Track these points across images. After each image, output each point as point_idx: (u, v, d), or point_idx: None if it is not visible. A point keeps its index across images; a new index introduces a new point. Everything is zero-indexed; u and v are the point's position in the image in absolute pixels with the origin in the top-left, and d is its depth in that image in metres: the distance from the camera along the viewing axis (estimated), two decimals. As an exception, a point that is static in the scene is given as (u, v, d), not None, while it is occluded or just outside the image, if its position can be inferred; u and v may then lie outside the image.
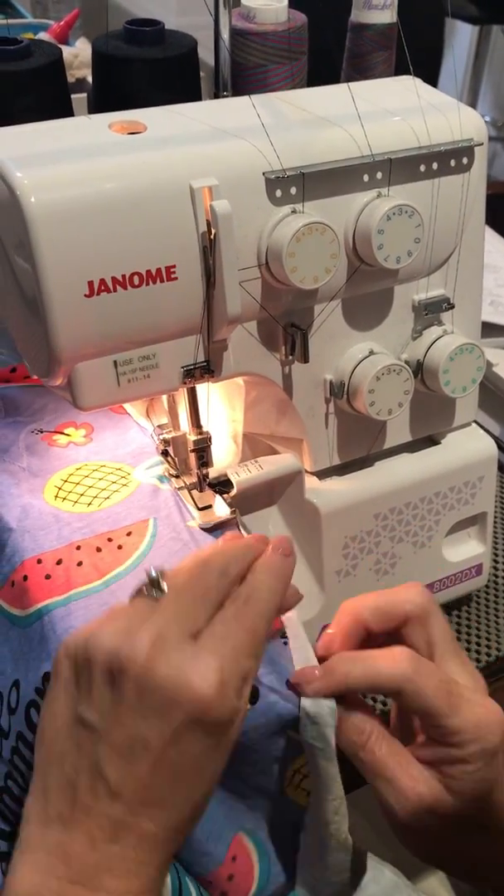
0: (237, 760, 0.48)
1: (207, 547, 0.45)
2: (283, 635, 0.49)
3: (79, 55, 1.18)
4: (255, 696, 0.47)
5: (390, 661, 0.44)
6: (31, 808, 0.38)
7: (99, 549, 0.52)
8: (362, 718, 0.45)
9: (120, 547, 0.52)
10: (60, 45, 1.13)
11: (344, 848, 0.49)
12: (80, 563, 0.51)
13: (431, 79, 0.58)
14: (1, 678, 0.51)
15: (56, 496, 0.56)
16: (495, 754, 0.44)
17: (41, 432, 0.62)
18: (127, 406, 0.64)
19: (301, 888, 0.51)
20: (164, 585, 0.41)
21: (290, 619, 0.49)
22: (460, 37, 2.69)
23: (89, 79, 1.16)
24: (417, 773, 0.44)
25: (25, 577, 0.51)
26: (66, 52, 1.05)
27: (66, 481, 0.57)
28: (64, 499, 0.56)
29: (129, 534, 0.53)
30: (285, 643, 0.49)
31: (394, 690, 0.44)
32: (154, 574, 0.41)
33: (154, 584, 0.41)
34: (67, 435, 0.62)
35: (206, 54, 0.67)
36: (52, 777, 0.38)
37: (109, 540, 0.53)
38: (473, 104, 2.66)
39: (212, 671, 0.37)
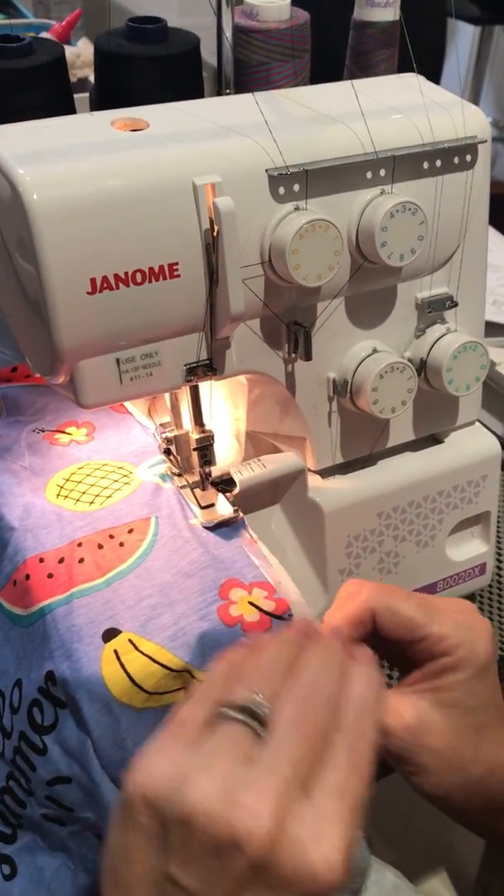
0: None
1: (286, 649, 0.39)
2: (290, 616, 0.49)
3: (81, 55, 1.18)
4: None
5: (354, 598, 0.44)
6: None
7: (101, 546, 0.52)
8: None
9: (122, 544, 0.52)
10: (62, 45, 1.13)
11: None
12: (81, 560, 0.51)
13: (434, 79, 0.58)
14: (3, 677, 0.51)
15: (58, 495, 0.56)
16: (486, 668, 0.43)
17: (43, 431, 0.61)
18: (129, 405, 0.64)
19: None
20: (262, 714, 0.35)
21: (298, 603, 0.49)
22: (462, 37, 2.69)
23: (91, 78, 1.16)
24: (396, 703, 0.43)
25: (28, 576, 0.51)
26: (68, 51, 1.04)
27: (67, 480, 0.57)
28: (66, 497, 0.56)
29: (130, 531, 0.53)
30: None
31: (369, 618, 0.44)
32: (261, 709, 0.35)
33: (251, 713, 0.35)
34: (69, 434, 0.62)
35: (207, 54, 0.67)
36: None
37: (111, 537, 0.53)
38: (475, 104, 2.65)
39: (336, 852, 0.32)
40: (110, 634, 0.47)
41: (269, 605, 0.50)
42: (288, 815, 0.32)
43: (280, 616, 0.49)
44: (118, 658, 0.46)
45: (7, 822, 0.50)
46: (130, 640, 0.47)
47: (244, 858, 0.31)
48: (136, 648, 0.47)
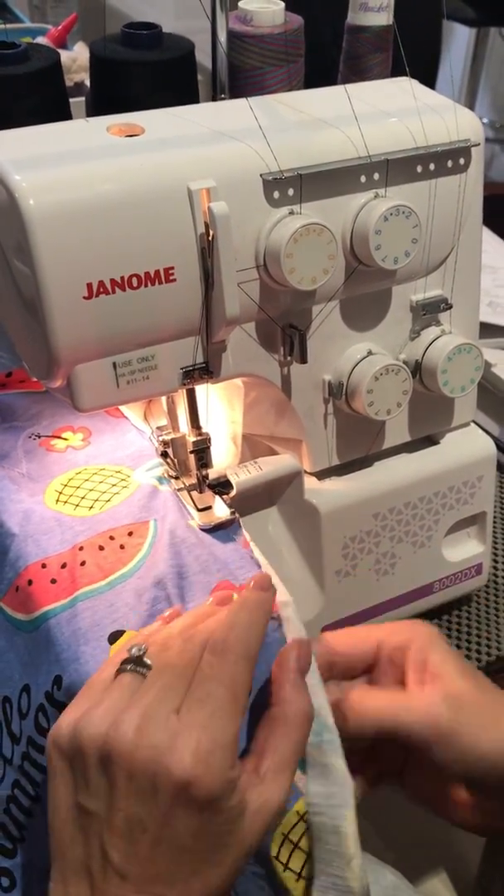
0: None
1: (192, 614, 0.46)
2: (277, 617, 0.49)
3: (77, 59, 1.18)
4: None
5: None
6: (53, 894, 0.39)
7: (101, 548, 0.52)
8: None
9: (122, 547, 0.52)
10: (58, 50, 1.13)
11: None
12: (83, 563, 0.51)
13: (429, 81, 0.59)
14: (9, 683, 0.51)
15: (57, 500, 0.56)
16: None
17: (39, 437, 0.62)
18: (125, 410, 0.64)
19: None
20: (148, 661, 0.42)
21: (290, 619, 0.49)
22: (458, 39, 2.70)
23: (87, 83, 1.16)
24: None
25: (30, 582, 0.51)
26: (64, 56, 1.05)
27: (66, 485, 0.57)
28: (65, 502, 0.56)
29: (130, 533, 0.53)
30: (279, 624, 0.49)
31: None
32: (137, 651, 0.42)
33: (137, 661, 0.42)
34: (65, 439, 0.62)
35: (202, 58, 0.67)
36: (68, 863, 0.39)
37: (112, 538, 0.53)
38: (471, 106, 2.66)
39: (188, 751, 0.38)
40: (116, 636, 0.47)
41: None
42: (151, 726, 0.38)
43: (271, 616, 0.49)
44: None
45: (9, 835, 0.50)
46: None
47: (119, 767, 0.38)
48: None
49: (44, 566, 0.51)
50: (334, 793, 0.46)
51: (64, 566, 0.51)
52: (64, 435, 0.62)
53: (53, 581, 0.50)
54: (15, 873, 0.50)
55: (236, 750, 0.40)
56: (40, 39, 1.17)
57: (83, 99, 0.72)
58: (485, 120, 2.71)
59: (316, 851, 0.46)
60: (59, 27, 1.19)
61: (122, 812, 0.38)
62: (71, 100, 0.67)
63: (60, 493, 0.57)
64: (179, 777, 0.38)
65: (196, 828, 0.38)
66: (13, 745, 0.50)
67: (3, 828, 0.50)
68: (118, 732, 0.38)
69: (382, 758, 0.53)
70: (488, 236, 1.18)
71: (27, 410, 0.64)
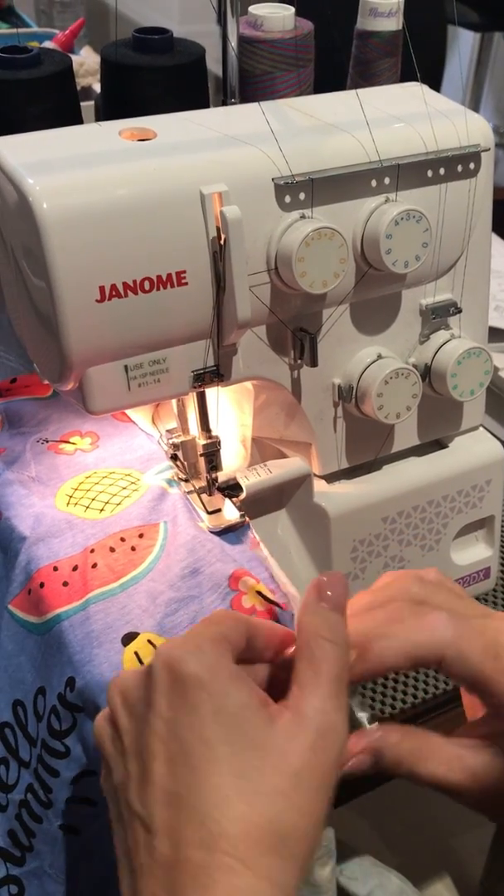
0: None
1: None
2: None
3: (84, 63, 1.18)
4: None
5: (428, 630, 0.42)
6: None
7: (112, 549, 0.52)
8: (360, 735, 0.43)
9: (133, 549, 0.53)
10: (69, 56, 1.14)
11: (308, 883, 0.47)
12: (94, 565, 0.51)
13: (434, 86, 0.59)
14: (21, 686, 0.51)
15: (68, 503, 0.56)
16: None
17: (47, 442, 0.62)
18: (132, 414, 0.65)
19: None
20: None
21: (295, 597, 0.49)
22: (462, 44, 2.70)
23: (95, 87, 1.17)
24: (453, 751, 0.43)
25: (42, 585, 0.51)
26: (72, 60, 1.05)
27: (76, 489, 0.57)
28: (76, 505, 0.56)
29: (140, 535, 0.54)
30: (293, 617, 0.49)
31: (436, 660, 0.41)
32: None
33: None
34: (74, 443, 0.62)
35: (209, 63, 0.67)
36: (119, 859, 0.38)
37: (122, 540, 0.53)
38: (475, 110, 2.66)
39: (174, 647, 0.37)
40: (129, 638, 0.48)
41: (274, 599, 0.50)
42: (172, 649, 0.37)
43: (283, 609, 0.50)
44: (140, 660, 0.47)
45: (18, 843, 0.50)
46: (150, 641, 0.47)
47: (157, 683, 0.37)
48: (157, 648, 0.47)
49: (55, 569, 0.51)
50: None
51: (75, 569, 0.51)
52: (72, 439, 0.62)
53: (65, 584, 0.51)
54: (24, 881, 0.50)
55: (229, 647, 0.38)
56: (47, 44, 1.17)
57: (92, 103, 0.72)
58: (489, 124, 2.70)
59: None
60: (67, 32, 1.20)
61: (129, 745, 0.37)
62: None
63: (71, 496, 0.57)
64: (165, 658, 0.37)
65: (199, 725, 0.35)
66: (31, 747, 0.50)
67: (13, 835, 0.50)
68: (157, 658, 0.38)
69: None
70: (495, 241, 1.18)
71: (34, 416, 0.64)
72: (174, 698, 0.37)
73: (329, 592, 0.41)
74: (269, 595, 0.50)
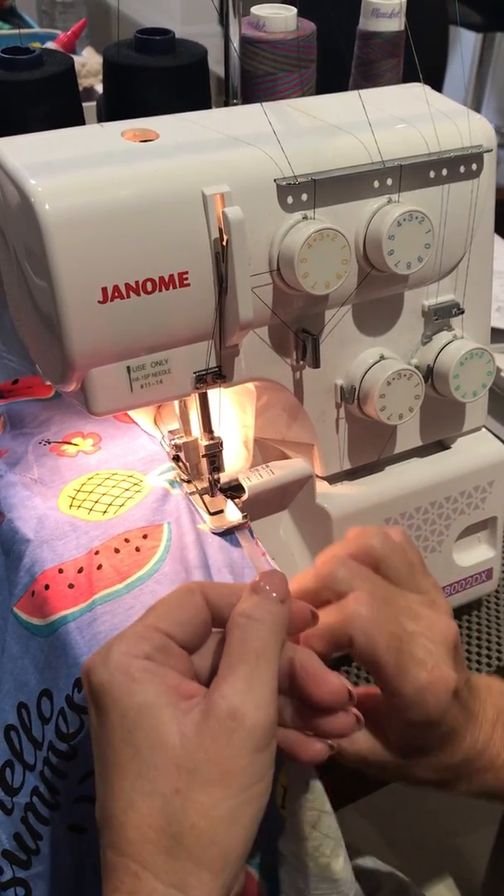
0: None
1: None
2: None
3: (86, 64, 1.19)
4: None
5: (342, 610, 0.43)
6: None
7: (117, 551, 0.52)
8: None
9: (138, 549, 0.52)
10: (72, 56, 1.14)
11: (325, 878, 0.45)
12: (99, 567, 0.51)
13: (436, 87, 0.59)
14: (25, 689, 0.51)
15: (70, 505, 0.56)
16: (437, 723, 0.44)
17: (49, 443, 0.62)
18: (134, 415, 0.64)
19: None
20: None
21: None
22: (464, 44, 2.70)
23: (97, 87, 1.17)
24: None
25: (47, 587, 0.51)
26: (74, 61, 1.05)
27: (79, 490, 0.57)
28: (79, 507, 0.56)
29: (145, 536, 0.53)
30: None
31: (346, 640, 0.42)
32: None
33: None
34: (76, 445, 0.62)
35: (211, 63, 0.67)
36: None
37: (127, 541, 0.53)
38: (477, 111, 2.66)
39: (103, 648, 0.38)
40: None
41: None
42: (88, 660, 0.38)
43: None
44: None
45: (24, 846, 0.50)
46: None
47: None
48: None
49: (60, 571, 0.51)
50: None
51: (81, 570, 0.51)
52: (74, 440, 0.62)
53: (71, 586, 0.51)
54: (31, 883, 0.49)
55: (151, 640, 0.38)
56: (49, 44, 1.17)
57: (94, 104, 0.72)
58: (491, 125, 2.70)
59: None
60: (69, 32, 1.20)
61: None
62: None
63: (74, 498, 0.57)
64: (83, 670, 0.37)
65: (109, 731, 0.35)
66: (36, 750, 0.50)
67: (19, 838, 0.50)
68: None
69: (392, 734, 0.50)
70: (498, 242, 1.18)
71: (36, 417, 0.64)
72: (92, 707, 0.37)
73: (267, 587, 0.40)
74: None
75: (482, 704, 0.48)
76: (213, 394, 0.56)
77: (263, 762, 0.36)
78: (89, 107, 0.70)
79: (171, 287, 0.47)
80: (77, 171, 0.45)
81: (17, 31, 1.13)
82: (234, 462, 0.62)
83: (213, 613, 0.40)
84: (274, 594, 0.39)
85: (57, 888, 0.49)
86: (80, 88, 1.07)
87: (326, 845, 0.45)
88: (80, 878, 0.49)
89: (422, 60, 0.55)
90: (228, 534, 0.55)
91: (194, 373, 0.51)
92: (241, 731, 0.35)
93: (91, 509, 0.56)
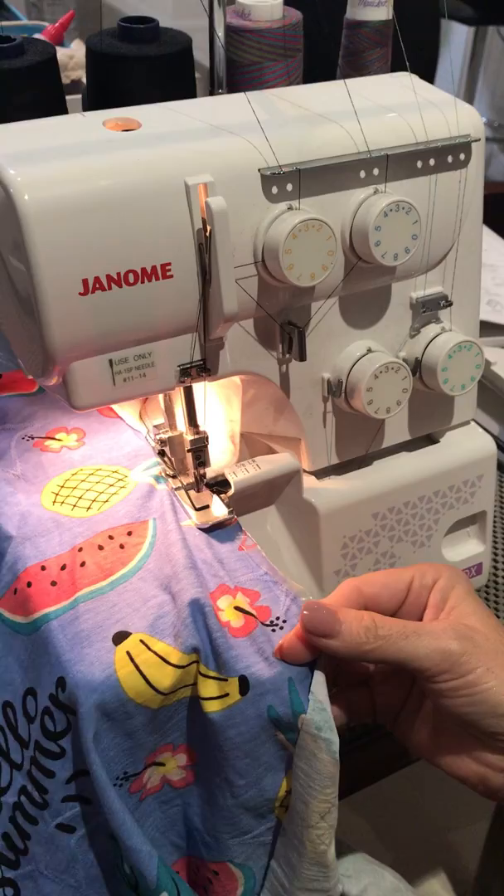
0: (226, 765, 0.47)
1: None
2: (272, 623, 0.49)
3: (73, 56, 1.17)
4: (245, 687, 0.46)
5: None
6: None
7: (101, 548, 0.52)
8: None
9: (122, 546, 0.52)
10: (55, 47, 1.13)
11: (318, 863, 0.48)
12: (83, 564, 0.51)
13: (428, 79, 0.58)
14: (10, 688, 0.50)
15: (54, 501, 0.56)
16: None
17: (32, 438, 0.61)
18: (119, 410, 0.64)
19: (267, 895, 0.50)
20: None
21: (302, 590, 0.49)
22: (456, 38, 2.69)
23: (84, 80, 1.16)
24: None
25: (29, 584, 0.50)
26: (61, 53, 1.04)
27: (62, 486, 0.57)
28: (62, 503, 0.55)
29: (129, 533, 0.53)
30: (273, 630, 0.48)
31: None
32: None
33: None
34: (59, 440, 0.61)
35: (200, 55, 0.67)
36: None
37: (111, 538, 0.52)
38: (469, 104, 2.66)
39: None
40: (121, 637, 0.47)
41: (251, 612, 0.49)
42: None
43: (263, 622, 0.49)
44: (132, 660, 0.46)
45: (12, 846, 0.50)
46: (142, 641, 0.47)
47: None
48: (150, 649, 0.46)
49: (43, 568, 0.51)
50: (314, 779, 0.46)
51: (63, 568, 0.51)
52: (58, 436, 0.61)
53: (53, 583, 0.50)
54: (19, 883, 0.49)
55: None
56: (37, 37, 1.16)
57: (80, 96, 0.71)
58: (483, 119, 2.70)
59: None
60: (56, 24, 1.19)
61: None
62: (68, 97, 0.66)
63: (57, 494, 0.56)
64: None
65: None
66: (23, 749, 0.49)
67: (7, 837, 0.50)
68: None
69: (380, 695, 0.52)
70: (487, 235, 1.18)
71: (19, 413, 0.63)
72: None
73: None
74: (247, 608, 0.50)
75: None
76: (199, 387, 0.55)
77: None
78: (76, 99, 0.70)
79: (153, 278, 0.46)
80: (58, 161, 0.45)
81: (3, 23, 1.12)
82: (221, 457, 0.61)
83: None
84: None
85: (46, 888, 0.48)
86: (69, 80, 1.06)
87: (328, 835, 0.47)
88: (70, 877, 0.48)
89: (413, 54, 0.55)
90: (214, 529, 0.54)
91: (178, 366, 0.50)
92: None
93: (75, 505, 0.55)
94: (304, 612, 0.46)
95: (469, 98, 2.56)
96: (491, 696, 0.45)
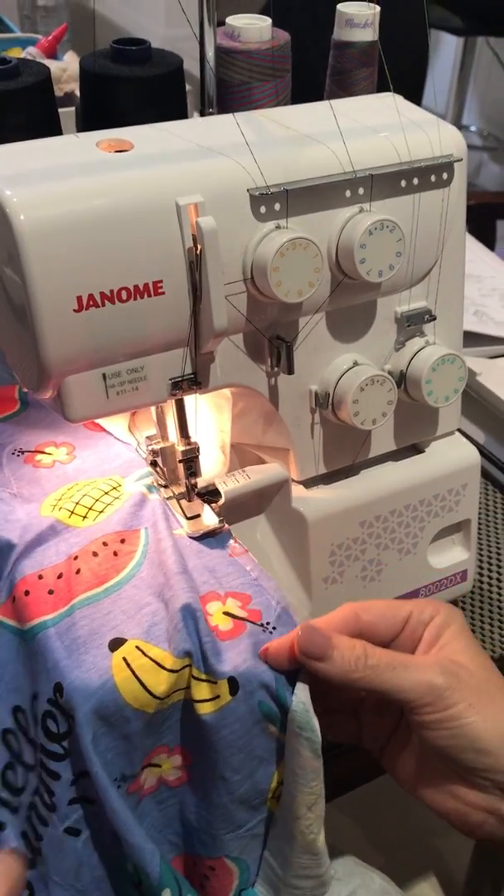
0: (221, 763, 0.48)
1: None
2: (263, 625, 0.50)
3: (67, 69, 1.19)
4: (234, 687, 0.48)
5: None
6: None
7: (95, 554, 0.53)
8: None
9: (115, 553, 0.53)
10: (49, 59, 1.14)
11: (309, 852, 0.49)
12: (78, 571, 0.52)
13: (417, 91, 0.60)
14: (19, 693, 0.51)
15: (54, 508, 0.57)
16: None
17: (22, 453, 0.62)
18: (106, 424, 0.65)
19: (262, 885, 0.52)
20: None
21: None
22: (446, 48, 2.72)
23: (77, 93, 1.17)
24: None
25: (27, 592, 0.51)
26: (55, 66, 1.06)
27: (59, 500, 0.58)
28: (61, 508, 0.57)
29: (122, 540, 0.54)
30: (264, 631, 0.50)
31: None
32: None
33: None
34: (49, 454, 0.62)
35: (192, 65, 0.68)
36: None
37: (105, 544, 0.53)
38: (459, 115, 2.69)
39: None
40: (116, 643, 0.48)
41: (242, 615, 0.51)
42: None
43: (254, 622, 0.50)
44: (128, 666, 0.47)
45: (30, 845, 0.50)
46: (138, 647, 0.48)
47: None
48: (145, 654, 0.47)
49: (40, 577, 0.52)
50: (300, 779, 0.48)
51: (60, 576, 0.52)
52: (47, 449, 0.62)
53: (51, 592, 0.51)
54: (34, 885, 0.50)
55: None
56: (30, 49, 1.17)
57: (73, 109, 0.73)
58: (472, 128, 2.73)
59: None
60: (50, 37, 1.20)
61: None
62: (61, 110, 0.67)
63: (54, 506, 0.57)
64: None
65: None
66: (35, 751, 0.50)
67: (25, 836, 0.50)
68: None
69: (369, 724, 0.53)
70: (475, 246, 1.20)
71: (4, 430, 0.64)
72: None
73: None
74: (237, 612, 0.51)
75: None
76: (190, 400, 0.57)
77: None
78: (70, 112, 0.71)
79: (145, 295, 0.47)
80: (52, 182, 0.46)
81: (-3, 36, 1.13)
82: (211, 467, 0.62)
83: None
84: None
85: (55, 892, 0.49)
86: (62, 93, 1.07)
87: (316, 824, 0.48)
88: (77, 883, 0.49)
89: (402, 66, 0.56)
90: (205, 538, 0.56)
91: (170, 380, 0.51)
92: None
93: (72, 511, 0.56)
94: (299, 633, 0.47)
95: (458, 108, 2.58)
96: (470, 730, 0.46)
